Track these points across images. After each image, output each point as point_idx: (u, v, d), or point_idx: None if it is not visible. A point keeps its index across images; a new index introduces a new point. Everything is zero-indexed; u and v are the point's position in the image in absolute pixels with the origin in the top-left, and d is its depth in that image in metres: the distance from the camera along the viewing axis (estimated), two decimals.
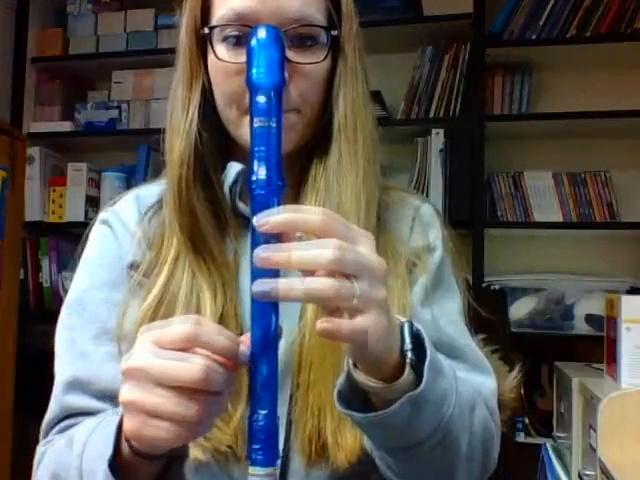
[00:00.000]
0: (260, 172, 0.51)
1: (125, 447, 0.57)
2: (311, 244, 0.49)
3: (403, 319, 0.60)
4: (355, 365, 0.59)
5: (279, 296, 0.49)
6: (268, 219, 0.49)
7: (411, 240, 0.82)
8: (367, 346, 0.52)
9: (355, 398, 0.61)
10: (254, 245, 0.50)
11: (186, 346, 0.50)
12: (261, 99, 0.52)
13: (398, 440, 0.61)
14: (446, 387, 0.61)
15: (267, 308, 0.51)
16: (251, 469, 0.51)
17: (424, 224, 0.84)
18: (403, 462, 0.65)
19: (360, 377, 0.58)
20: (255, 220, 0.50)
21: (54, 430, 0.75)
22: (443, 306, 0.81)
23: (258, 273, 0.49)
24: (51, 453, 0.71)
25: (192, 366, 0.49)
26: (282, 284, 0.49)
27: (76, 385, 0.74)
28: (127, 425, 0.53)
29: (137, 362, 0.51)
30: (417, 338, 0.59)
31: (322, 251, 0.48)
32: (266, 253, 0.49)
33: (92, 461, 0.60)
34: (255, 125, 0.52)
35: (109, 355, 0.75)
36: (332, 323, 0.49)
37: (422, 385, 0.57)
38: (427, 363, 0.58)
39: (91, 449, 0.62)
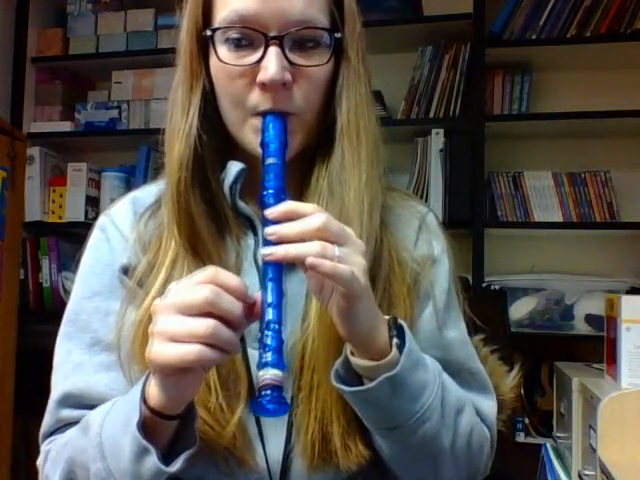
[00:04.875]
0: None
1: (146, 411, 0.64)
2: (303, 219, 0.61)
3: (387, 317, 0.69)
4: (352, 354, 0.68)
5: (279, 256, 0.60)
6: (275, 209, 0.63)
7: (416, 248, 0.82)
8: (355, 297, 0.62)
9: (350, 380, 0.68)
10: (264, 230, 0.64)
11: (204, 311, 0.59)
12: (270, 159, 0.69)
13: (382, 420, 0.69)
14: (428, 380, 0.70)
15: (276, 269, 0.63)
16: (261, 372, 0.58)
17: (430, 232, 0.84)
18: (389, 444, 0.71)
19: (354, 359, 0.67)
20: (266, 212, 0.63)
21: (52, 437, 0.77)
22: (455, 328, 0.82)
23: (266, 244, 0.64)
24: (60, 445, 0.73)
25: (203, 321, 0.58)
26: (281, 248, 0.60)
27: (69, 401, 0.76)
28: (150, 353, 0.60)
29: (158, 326, 0.60)
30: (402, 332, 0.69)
31: (311, 221, 0.61)
32: (273, 229, 0.61)
33: (114, 432, 0.66)
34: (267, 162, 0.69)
35: (101, 365, 0.76)
36: (318, 260, 0.59)
37: (398, 367, 0.66)
38: (405, 351, 0.67)
39: (110, 424, 0.67)
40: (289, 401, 0.62)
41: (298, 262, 0.61)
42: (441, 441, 0.71)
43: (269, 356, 0.59)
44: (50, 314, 2.39)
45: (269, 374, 0.58)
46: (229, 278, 0.60)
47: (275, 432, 0.73)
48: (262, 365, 0.59)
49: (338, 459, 0.71)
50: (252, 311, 0.61)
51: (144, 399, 0.64)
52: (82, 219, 2.50)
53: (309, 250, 0.59)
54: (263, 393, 0.57)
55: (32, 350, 1.98)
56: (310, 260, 0.59)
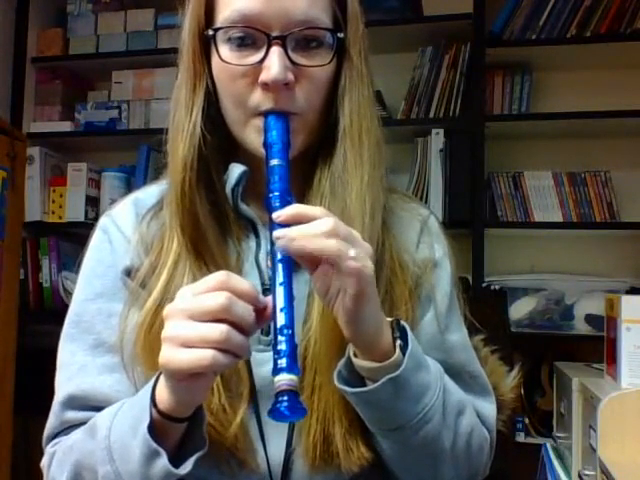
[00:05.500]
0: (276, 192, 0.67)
1: (155, 414, 0.64)
2: (312, 223, 0.61)
3: (390, 319, 0.69)
4: (355, 355, 0.68)
5: (298, 246, 0.60)
6: (282, 212, 0.63)
7: (418, 251, 0.82)
8: (363, 299, 0.62)
9: (353, 381, 0.68)
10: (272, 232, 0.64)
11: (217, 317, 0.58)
12: (274, 161, 0.70)
13: (384, 420, 0.69)
14: (430, 381, 0.70)
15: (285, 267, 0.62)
16: (277, 378, 0.58)
17: (431, 235, 0.84)
18: (390, 445, 0.72)
19: (357, 361, 0.67)
20: (274, 216, 0.63)
21: (57, 439, 0.77)
22: (457, 331, 0.82)
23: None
24: (66, 447, 0.73)
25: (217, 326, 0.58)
26: (302, 238, 0.60)
27: (74, 402, 0.76)
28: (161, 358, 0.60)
29: (171, 331, 0.60)
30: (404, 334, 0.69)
31: (320, 224, 0.61)
32: (282, 232, 0.61)
33: (123, 435, 0.65)
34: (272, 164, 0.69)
35: (105, 367, 0.76)
36: (353, 261, 0.60)
37: (401, 368, 0.66)
38: (408, 352, 0.67)
39: (119, 427, 0.67)
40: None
41: (315, 255, 0.61)
42: (442, 442, 0.71)
43: (284, 362, 0.58)
44: (50, 314, 2.38)
45: (285, 380, 0.57)
46: (241, 283, 0.60)
47: (276, 433, 0.73)
48: (277, 371, 0.58)
49: (340, 460, 0.71)
50: (262, 315, 0.61)
51: (153, 402, 0.64)
52: (82, 219, 2.50)
53: (330, 246, 0.60)
54: (280, 399, 0.57)
55: (32, 350, 1.99)
56: (350, 263, 0.60)
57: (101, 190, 2.56)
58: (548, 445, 1.79)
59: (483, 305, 1.84)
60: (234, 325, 0.58)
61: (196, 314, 0.58)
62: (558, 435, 1.72)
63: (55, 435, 0.77)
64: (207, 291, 0.59)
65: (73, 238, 2.55)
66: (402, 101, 2.35)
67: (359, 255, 0.62)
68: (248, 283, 0.61)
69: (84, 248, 0.83)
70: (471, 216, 2.22)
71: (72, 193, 2.53)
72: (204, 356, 0.57)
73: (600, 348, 1.56)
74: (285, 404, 0.57)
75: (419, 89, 2.34)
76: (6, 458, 2.02)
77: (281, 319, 0.60)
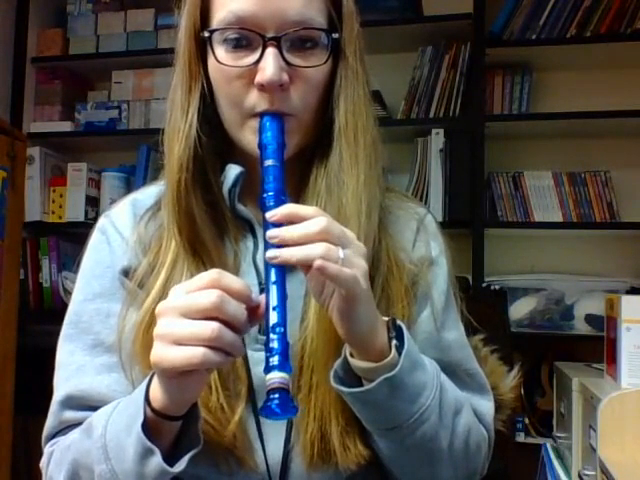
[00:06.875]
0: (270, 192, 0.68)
1: (149, 412, 0.64)
2: (305, 222, 0.61)
3: (386, 318, 0.69)
4: (351, 355, 0.68)
5: (284, 258, 0.60)
6: (276, 211, 0.63)
7: (414, 249, 0.82)
8: (356, 300, 0.62)
9: (349, 381, 0.68)
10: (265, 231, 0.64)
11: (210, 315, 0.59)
12: (269, 161, 0.70)
13: (381, 420, 0.69)
14: (426, 381, 0.70)
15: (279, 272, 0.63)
16: (269, 376, 0.58)
17: (428, 234, 0.84)
18: (387, 444, 0.71)
19: (353, 361, 0.68)
20: (268, 215, 0.63)
21: (55, 438, 0.77)
22: (454, 329, 0.82)
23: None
24: (64, 447, 0.73)
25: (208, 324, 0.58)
26: (286, 251, 0.60)
27: (72, 402, 0.76)
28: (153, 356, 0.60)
29: (163, 328, 0.60)
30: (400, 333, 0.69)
31: (313, 224, 0.61)
32: (275, 232, 0.61)
33: (118, 434, 0.66)
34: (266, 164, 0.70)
35: (103, 367, 0.76)
36: (326, 262, 0.59)
37: (397, 368, 0.66)
38: (404, 352, 0.67)
39: (114, 426, 0.67)
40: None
41: (303, 264, 0.61)
42: (439, 441, 0.71)
43: (276, 360, 0.59)
44: (50, 314, 2.39)
45: (276, 377, 0.58)
46: (233, 281, 0.60)
47: (275, 432, 0.73)
48: (269, 369, 0.59)
49: (337, 458, 0.72)
50: (255, 313, 0.61)
51: (147, 401, 0.64)
52: (82, 219, 2.50)
53: (314, 252, 0.59)
54: (271, 397, 0.57)
55: (32, 350, 1.98)
56: (319, 262, 0.59)
57: (101, 190, 2.56)
58: (548, 445, 1.79)
59: (483, 305, 1.84)
60: (226, 323, 0.58)
61: (188, 312, 0.59)
62: (558, 435, 1.71)
63: (54, 435, 0.77)
64: (199, 289, 0.59)
65: (73, 238, 2.55)
66: (402, 101, 2.35)
67: (349, 256, 0.61)
68: (241, 281, 0.61)
69: (84, 248, 0.84)
70: (471, 216, 2.22)
71: (72, 193, 2.53)
72: (195, 354, 0.57)
73: (600, 348, 1.56)
74: (276, 402, 0.57)
75: (419, 89, 2.34)
76: (6, 458, 2.02)
77: (273, 317, 0.60)
